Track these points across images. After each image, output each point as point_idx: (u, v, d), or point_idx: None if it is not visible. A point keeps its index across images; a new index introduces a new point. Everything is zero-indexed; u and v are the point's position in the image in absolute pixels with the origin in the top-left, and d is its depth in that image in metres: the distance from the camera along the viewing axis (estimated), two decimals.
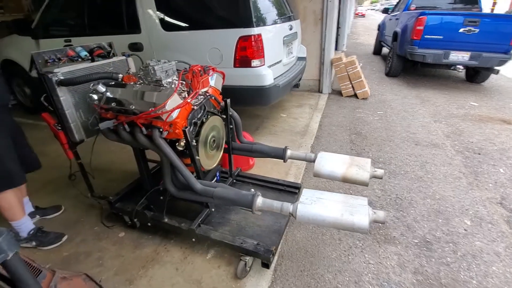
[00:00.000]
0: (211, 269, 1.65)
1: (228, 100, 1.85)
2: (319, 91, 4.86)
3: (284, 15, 3.19)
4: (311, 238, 1.88)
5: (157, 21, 2.78)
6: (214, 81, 1.79)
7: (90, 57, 1.88)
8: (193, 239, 1.69)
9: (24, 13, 5.62)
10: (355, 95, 4.63)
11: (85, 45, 1.90)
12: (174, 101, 1.40)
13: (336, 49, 9.51)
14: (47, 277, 1.00)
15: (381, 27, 8.16)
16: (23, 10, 5.71)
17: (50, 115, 1.75)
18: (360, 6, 38.53)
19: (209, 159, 1.78)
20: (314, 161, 1.78)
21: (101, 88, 1.50)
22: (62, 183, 2.38)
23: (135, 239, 1.88)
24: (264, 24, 2.68)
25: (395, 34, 5.71)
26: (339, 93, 4.78)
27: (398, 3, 7.39)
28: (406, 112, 4.08)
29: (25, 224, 1.80)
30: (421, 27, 4.74)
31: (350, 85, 4.56)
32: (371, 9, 42.48)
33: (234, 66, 2.65)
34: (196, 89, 1.56)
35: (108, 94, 1.53)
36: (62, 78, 1.60)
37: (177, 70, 1.68)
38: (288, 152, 1.90)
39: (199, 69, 1.59)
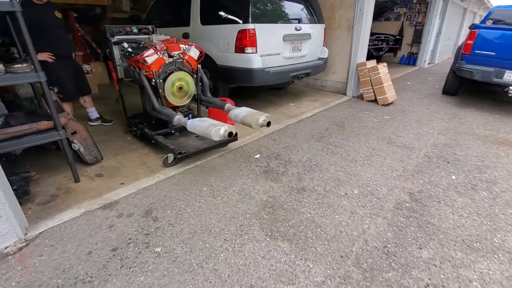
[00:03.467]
0: (156, 160, 2.73)
1: (199, 66, 2.86)
2: (345, 93, 5.18)
3: (291, 18, 3.92)
4: (223, 165, 2.68)
5: (198, 18, 4.04)
6: (190, 51, 2.82)
7: (138, 33, 3.25)
8: (152, 141, 2.80)
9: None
10: (376, 101, 4.75)
11: (138, 26, 3.29)
12: (149, 53, 2.52)
13: (414, 65, 8.97)
14: (65, 116, 2.27)
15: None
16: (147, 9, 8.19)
17: (111, 63, 3.20)
18: None
19: (177, 98, 2.83)
20: None
21: (125, 45, 2.78)
22: (115, 107, 3.92)
23: (133, 141, 3.16)
24: (261, 22, 3.53)
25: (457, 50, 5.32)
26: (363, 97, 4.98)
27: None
28: (417, 122, 4.00)
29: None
30: (471, 41, 4.42)
31: (372, 90, 4.73)
32: None
33: (235, 52, 3.62)
34: (163, 49, 2.64)
35: (129, 49, 2.81)
36: (115, 40, 2.98)
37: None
38: (226, 106, 2.75)
39: (172, 40, 2.67)
